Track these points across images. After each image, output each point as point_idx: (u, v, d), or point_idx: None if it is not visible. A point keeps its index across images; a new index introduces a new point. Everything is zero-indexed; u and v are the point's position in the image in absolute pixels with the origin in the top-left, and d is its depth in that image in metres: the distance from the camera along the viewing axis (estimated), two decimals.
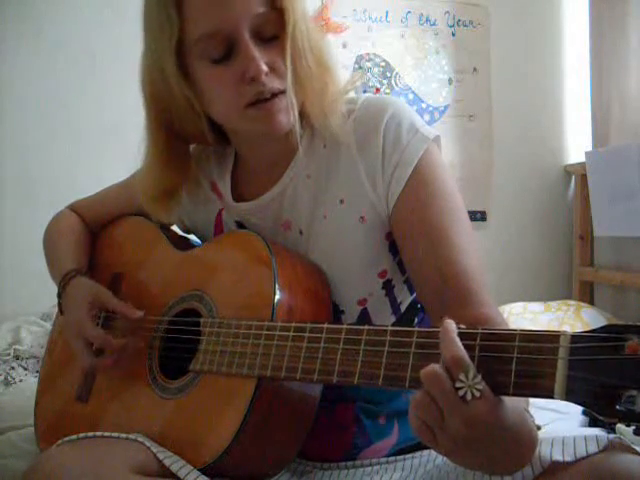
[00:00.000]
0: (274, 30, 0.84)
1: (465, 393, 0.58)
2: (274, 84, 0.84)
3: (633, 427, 0.53)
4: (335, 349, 0.73)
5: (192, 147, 1.03)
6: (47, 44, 2.38)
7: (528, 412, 0.66)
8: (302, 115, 0.91)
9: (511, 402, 0.61)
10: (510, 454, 0.62)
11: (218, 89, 0.86)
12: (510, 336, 0.60)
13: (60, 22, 2.39)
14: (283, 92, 0.85)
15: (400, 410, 0.95)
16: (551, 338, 0.58)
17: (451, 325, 0.62)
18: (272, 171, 0.96)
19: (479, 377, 0.58)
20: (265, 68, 0.82)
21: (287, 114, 0.86)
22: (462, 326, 0.64)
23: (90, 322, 0.98)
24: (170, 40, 0.84)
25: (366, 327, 0.71)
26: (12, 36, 2.35)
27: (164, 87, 0.89)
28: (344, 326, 0.74)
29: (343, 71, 2.60)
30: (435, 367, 0.59)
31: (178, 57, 0.85)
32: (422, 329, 0.67)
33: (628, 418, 0.52)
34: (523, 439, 0.62)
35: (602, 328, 0.56)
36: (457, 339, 0.60)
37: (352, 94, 0.96)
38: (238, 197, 1.01)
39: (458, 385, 0.58)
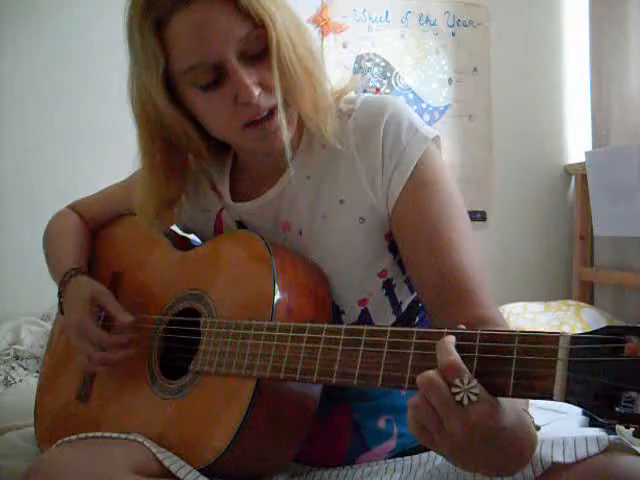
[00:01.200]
0: (260, 46, 0.83)
1: (462, 398, 0.58)
2: (268, 102, 0.83)
3: (633, 429, 0.53)
4: (334, 350, 0.73)
5: None
6: (47, 44, 2.39)
7: (527, 412, 0.66)
8: (300, 118, 0.91)
9: (509, 403, 0.61)
10: (509, 455, 0.62)
11: (212, 114, 0.86)
12: (509, 337, 0.60)
13: (60, 22, 2.39)
14: (278, 106, 0.84)
15: (398, 408, 0.95)
16: (550, 339, 0.58)
17: (449, 337, 0.62)
18: (271, 172, 0.96)
19: (475, 381, 0.59)
20: (256, 91, 0.82)
21: (285, 129, 0.85)
22: (462, 327, 0.64)
23: (91, 321, 0.98)
24: (157, 73, 0.83)
25: (365, 327, 0.71)
26: (12, 36, 2.35)
27: (154, 111, 0.88)
28: (343, 326, 0.74)
29: (343, 71, 2.60)
30: (431, 373, 0.60)
31: (168, 84, 0.85)
32: (421, 329, 0.67)
33: (627, 420, 0.52)
34: (522, 440, 0.62)
35: (602, 329, 0.56)
36: (452, 347, 0.61)
37: (352, 94, 0.96)
38: (238, 197, 1.01)
39: (454, 390, 0.58)
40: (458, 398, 0.58)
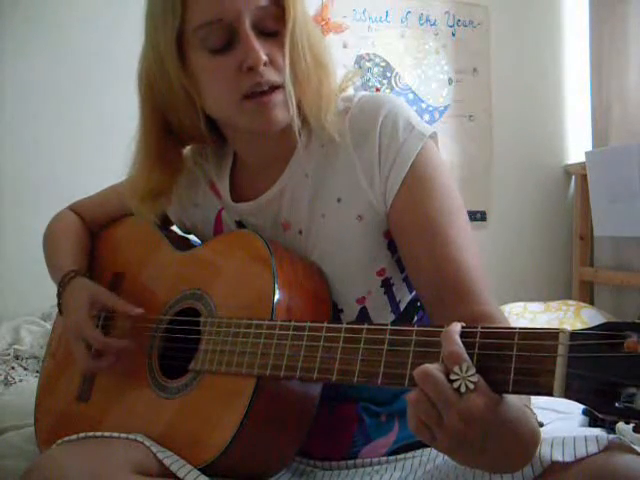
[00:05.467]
0: (274, 25, 0.85)
1: (459, 385, 0.59)
2: (272, 76, 0.84)
3: (632, 424, 0.53)
4: (334, 348, 0.73)
5: (190, 147, 1.03)
6: (48, 44, 2.38)
7: (530, 409, 0.66)
8: (300, 114, 0.91)
9: (511, 399, 0.61)
10: (510, 451, 0.62)
11: (215, 79, 0.87)
12: (509, 334, 0.60)
13: (61, 16, 2.39)
14: (280, 86, 0.85)
15: (401, 409, 0.95)
16: (550, 336, 0.58)
17: (456, 326, 0.63)
18: (270, 171, 0.96)
19: (473, 370, 0.59)
20: (264, 58, 0.83)
21: (283, 110, 0.86)
22: (462, 324, 0.64)
23: (89, 324, 0.97)
24: (172, 28, 0.85)
25: (365, 326, 0.72)
26: (12, 31, 2.35)
27: (163, 82, 0.89)
28: (343, 325, 0.74)
29: (343, 71, 2.60)
30: (426, 365, 0.60)
31: (178, 48, 0.86)
32: (421, 327, 0.67)
33: (627, 415, 0.52)
34: (523, 436, 0.62)
35: (601, 326, 0.56)
36: (457, 337, 0.61)
37: (350, 91, 0.96)
38: (237, 197, 1.01)
39: (452, 377, 0.59)
40: (456, 385, 0.59)
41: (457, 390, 0.59)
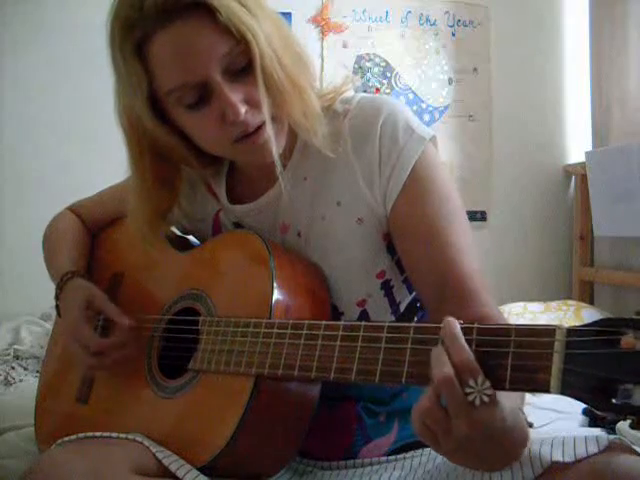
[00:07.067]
0: (244, 60, 0.81)
1: (474, 398, 0.58)
2: (255, 119, 0.82)
3: (629, 421, 0.53)
4: (332, 346, 0.73)
5: None
6: (49, 45, 2.39)
7: (522, 411, 0.67)
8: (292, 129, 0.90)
9: (508, 401, 0.61)
10: (505, 454, 0.64)
11: (201, 132, 0.85)
12: (506, 331, 0.60)
13: (61, 22, 2.39)
14: (266, 121, 0.83)
15: (401, 409, 0.95)
16: (547, 332, 0.58)
17: (456, 328, 0.61)
18: (268, 174, 0.95)
19: (488, 382, 0.58)
20: (243, 109, 0.80)
21: (275, 140, 0.85)
22: (460, 321, 0.64)
23: (86, 325, 0.97)
24: (141, 94, 0.82)
25: (363, 324, 0.72)
26: (12, 36, 2.35)
27: (142, 126, 0.86)
28: (341, 323, 0.74)
29: (343, 71, 2.60)
30: (450, 372, 0.59)
31: (153, 103, 0.84)
32: (418, 325, 0.67)
33: (624, 411, 0.52)
34: (518, 438, 0.63)
35: (598, 322, 0.56)
36: (465, 344, 0.60)
37: (349, 93, 0.96)
38: (234, 199, 1.00)
39: (467, 390, 0.58)
40: (471, 398, 0.58)
41: (472, 403, 0.58)
